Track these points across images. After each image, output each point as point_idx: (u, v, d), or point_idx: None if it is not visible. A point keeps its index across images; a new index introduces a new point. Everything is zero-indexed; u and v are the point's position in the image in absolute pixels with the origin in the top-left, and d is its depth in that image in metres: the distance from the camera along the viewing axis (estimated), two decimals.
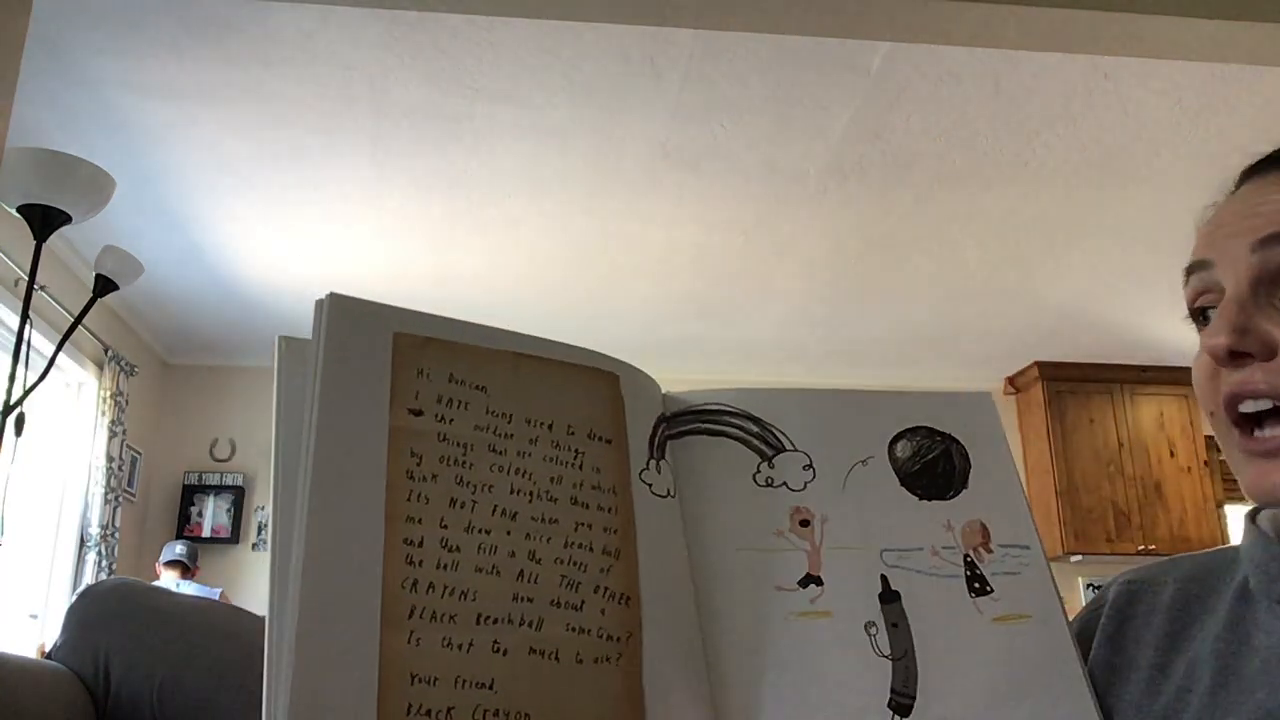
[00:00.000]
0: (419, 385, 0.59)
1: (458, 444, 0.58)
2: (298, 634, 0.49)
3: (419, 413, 0.58)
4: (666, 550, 0.62)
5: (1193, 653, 0.63)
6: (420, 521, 0.54)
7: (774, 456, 0.68)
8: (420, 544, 0.54)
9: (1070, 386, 5.38)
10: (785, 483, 0.67)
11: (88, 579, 4.27)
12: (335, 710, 0.48)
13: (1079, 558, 5.05)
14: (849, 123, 3.11)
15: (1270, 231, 0.58)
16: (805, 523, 0.66)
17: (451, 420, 0.58)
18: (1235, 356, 0.57)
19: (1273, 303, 0.57)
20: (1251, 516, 0.65)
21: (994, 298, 4.55)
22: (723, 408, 0.69)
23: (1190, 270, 0.63)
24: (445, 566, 0.54)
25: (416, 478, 0.56)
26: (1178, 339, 4.83)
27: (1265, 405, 0.57)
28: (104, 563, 4.34)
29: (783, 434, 0.69)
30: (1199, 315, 0.63)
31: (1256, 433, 0.58)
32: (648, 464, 0.64)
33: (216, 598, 4.15)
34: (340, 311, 0.59)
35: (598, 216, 3.76)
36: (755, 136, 3.19)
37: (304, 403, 0.56)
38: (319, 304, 0.59)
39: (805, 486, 0.67)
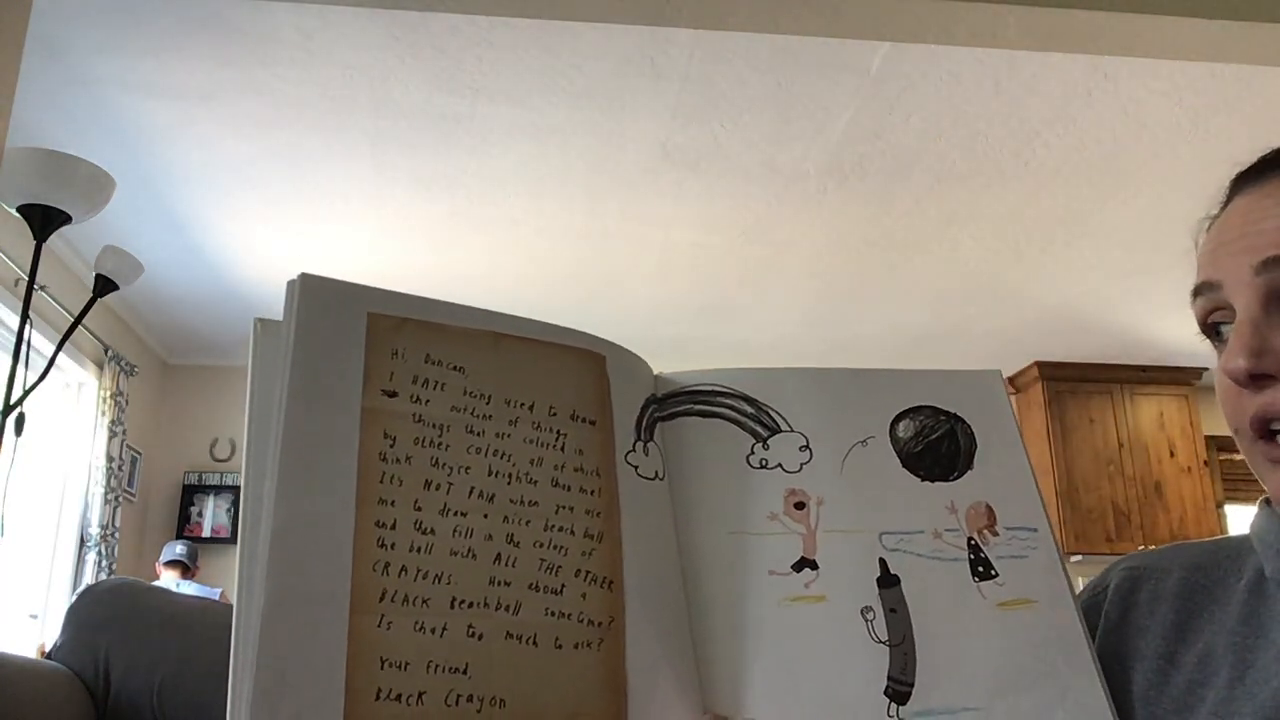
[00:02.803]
0: (394, 366, 0.58)
1: (433, 425, 0.57)
2: (263, 616, 0.48)
3: (393, 394, 0.57)
4: (653, 533, 0.61)
5: (1203, 645, 0.62)
6: (393, 504, 0.54)
7: (769, 437, 0.66)
8: (393, 526, 0.53)
9: (1070, 386, 5.37)
10: (780, 464, 0.65)
11: (88, 579, 4.27)
12: (301, 693, 0.47)
13: (1079, 558, 5.04)
14: (849, 123, 3.11)
15: (1272, 254, 0.58)
16: (800, 505, 0.64)
17: (427, 401, 0.57)
18: (1256, 378, 0.57)
19: None
20: (1267, 499, 0.65)
21: (994, 298, 4.55)
22: (716, 388, 0.68)
23: (1197, 292, 0.63)
24: (419, 549, 0.53)
25: (390, 459, 0.55)
26: (1178, 339, 4.82)
27: None
28: (104, 563, 4.34)
29: (779, 414, 0.67)
30: (1212, 331, 0.63)
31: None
32: (634, 445, 0.63)
33: (216, 598, 4.14)
34: (312, 292, 0.58)
35: (598, 216, 3.76)
36: (755, 136, 3.19)
37: (275, 384, 0.56)
38: (290, 284, 0.58)
39: (801, 468, 0.65)
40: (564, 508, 0.58)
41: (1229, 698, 0.58)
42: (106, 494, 4.39)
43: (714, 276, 4.34)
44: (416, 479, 0.55)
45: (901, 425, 0.68)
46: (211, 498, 5.19)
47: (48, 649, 1.58)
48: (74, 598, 1.58)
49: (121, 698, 1.42)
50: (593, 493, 0.59)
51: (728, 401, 0.67)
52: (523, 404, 0.60)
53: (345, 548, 0.51)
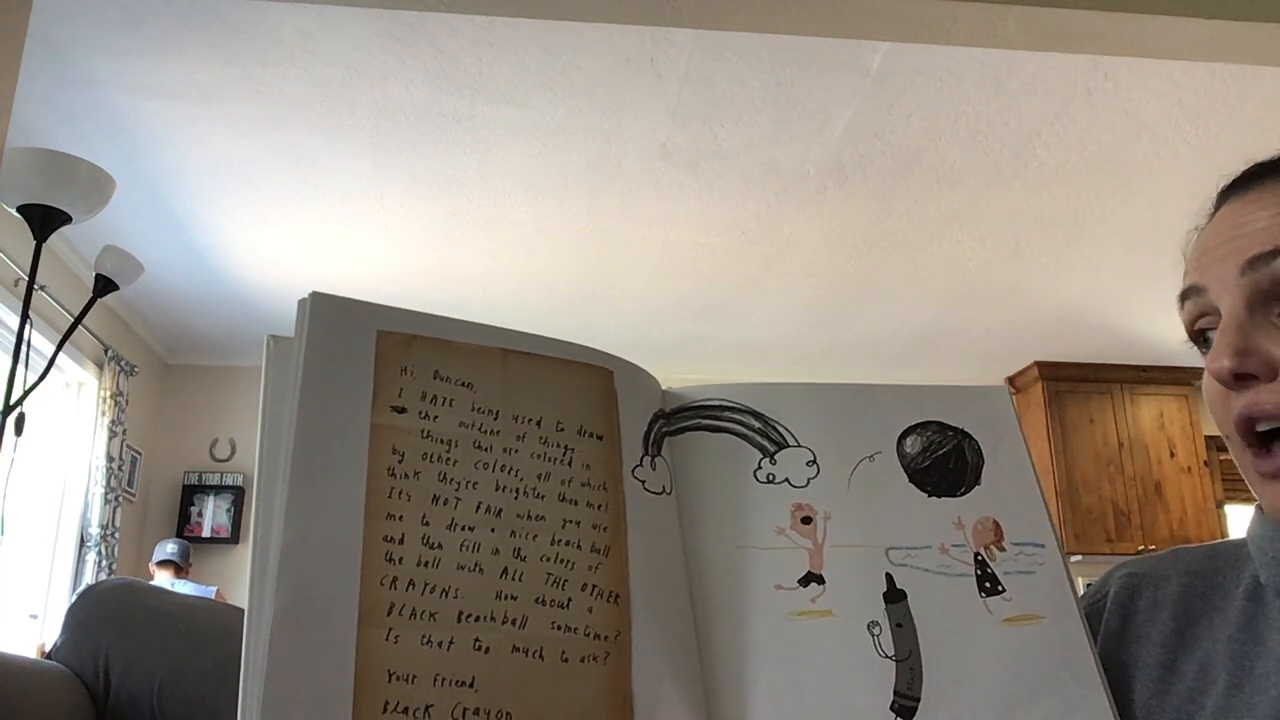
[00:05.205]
0: (403, 383, 0.58)
1: (441, 441, 0.57)
2: (273, 630, 0.49)
3: (402, 410, 0.58)
4: (659, 548, 0.61)
5: (1203, 653, 0.62)
6: (401, 519, 0.54)
7: (776, 452, 0.67)
8: (401, 541, 0.54)
9: (1070, 386, 5.38)
10: (787, 479, 0.66)
11: (88, 579, 4.27)
12: (310, 707, 0.48)
13: (1079, 558, 5.04)
14: (849, 123, 3.11)
15: (1256, 252, 0.58)
16: (807, 520, 0.64)
17: (435, 417, 0.58)
18: (1240, 378, 0.58)
19: (1270, 320, 0.58)
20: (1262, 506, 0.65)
21: (994, 298, 4.55)
22: (724, 403, 0.68)
23: (1184, 296, 0.63)
24: (426, 564, 0.53)
25: (398, 475, 0.55)
26: (1178, 339, 4.78)
27: (1278, 424, 0.57)
28: (104, 563, 4.34)
29: (786, 429, 0.67)
30: (1199, 338, 0.64)
31: (1271, 451, 0.58)
32: (641, 460, 0.63)
33: (212, 596, 4.15)
34: (322, 310, 0.59)
35: (598, 216, 3.76)
36: (755, 136, 3.19)
37: (286, 400, 0.56)
38: (301, 303, 0.59)
39: (808, 483, 0.66)
40: (571, 522, 0.58)
41: (1227, 706, 0.58)
42: (106, 494, 4.39)
43: (714, 276, 4.34)
44: (424, 494, 0.55)
45: (909, 440, 0.69)
46: (211, 498, 5.19)
47: (48, 649, 1.58)
48: (74, 598, 1.57)
49: (121, 698, 1.42)
50: (600, 507, 0.60)
51: (735, 416, 0.68)
52: (530, 419, 0.61)
53: (353, 562, 0.52)
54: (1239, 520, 5.26)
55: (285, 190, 3.54)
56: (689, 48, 2.72)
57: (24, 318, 2.73)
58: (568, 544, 0.57)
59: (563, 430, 0.61)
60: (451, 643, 0.52)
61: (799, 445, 0.67)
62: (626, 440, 0.63)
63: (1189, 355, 0.66)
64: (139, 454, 4.95)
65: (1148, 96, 2.96)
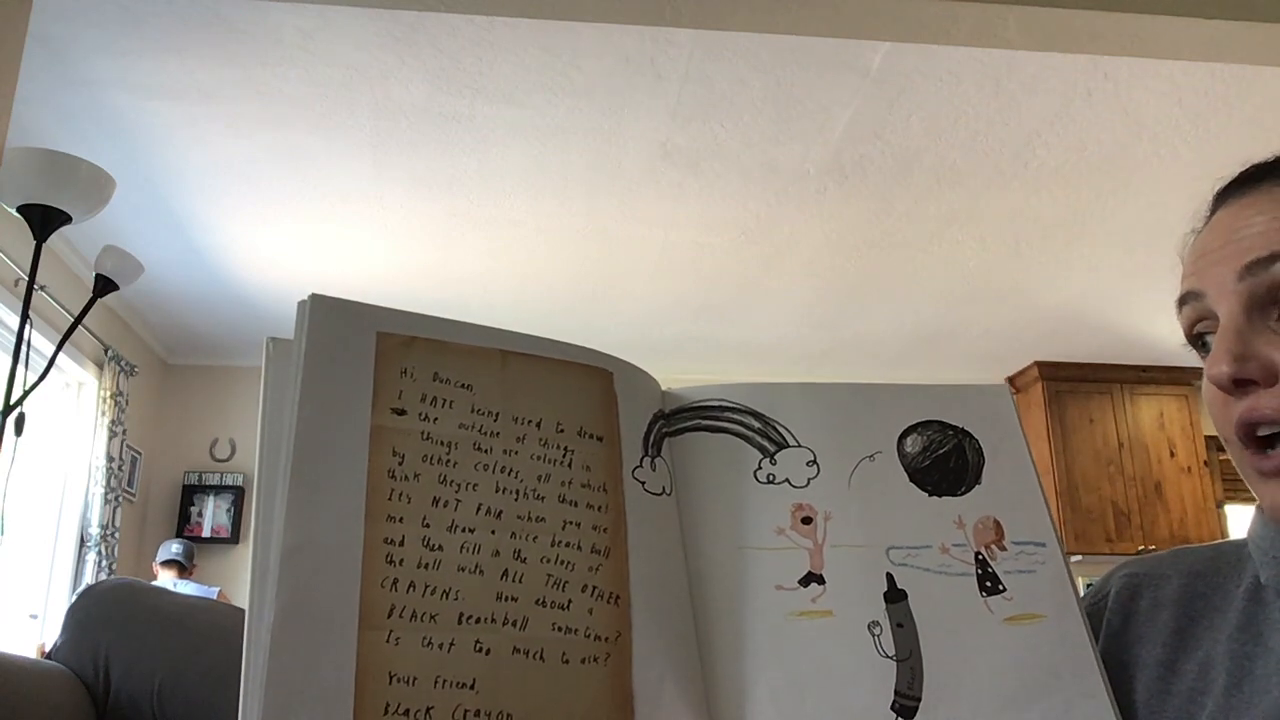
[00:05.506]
0: (403, 384, 0.59)
1: (441, 443, 0.58)
2: (274, 632, 0.49)
3: (402, 412, 0.58)
4: (660, 549, 0.61)
5: (1204, 653, 0.62)
6: (401, 520, 0.54)
7: (776, 453, 0.67)
8: (401, 543, 0.54)
9: (1070, 386, 5.38)
10: (788, 479, 0.66)
11: (88, 579, 4.27)
12: (311, 709, 0.48)
13: (1079, 558, 5.05)
14: (849, 123, 3.11)
15: (1254, 257, 0.58)
16: (808, 520, 0.64)
17: (435, 419, 0.58)
18: (1240, 384, 0.58)
19: (1269, 325, 0.58)
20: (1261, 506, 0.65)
21: (994, 298, 4.55)
22: (723, 403, 0.68)
23: (1181, 301, 0.64)
24: (426, 565, 0.53)
25: (398, 477, 0.55)
26: (1178, 339, 4.78)
27: (1278, 429, 0.57)
28: (104, 563, 4.34)
29: (786, 429, 0.67)
30: (1198, 342, 0.64)
31: (1269, 451, 0.58)
32: (641, 461, 0.64)
33: (214, 596, 4.15)
34: (322, 312, 0.59)
35: (598, 216, 3.76)
36: (755, 136, 3.19)
37: (286, 402, 0.56)
38: (301, 305, 0.59)
39: (808, 483, 0.66)
40: (571, 523, 0.58)
41: (1226, 707, 0.58)
42: (106, 494, 4.39)
43: (714, 276, 4.34)
44: (425, 496, 0.56)
45: (909, 440, 0.68)
46: (211, 498, 5.19)
47: (48, 649, 1.58)
48: (74, 598, 1.57)
49: (121, 698, 1.42)
50: (600, 508, 0.60)
51: (735, 417, 0.68)
52: (530, 421, 0.61)
53: (354, 564, 0.52)
54: (1239, 520, 5.26)
55: (285, 190, 3.54)
56: (689, 48, 2.72)
57: (24, 318, 2.73)
58: (568, 545, 0.57)
59: (562, 431, 0.61)
60: (452, 644, 0.52)
61: (799, 445, 0.67)
62: (626, 441, 0.63)
63: (1189, 355, 0.66)
64: (139, 454, 4.95)
65: (1148, 96, 2.96)
